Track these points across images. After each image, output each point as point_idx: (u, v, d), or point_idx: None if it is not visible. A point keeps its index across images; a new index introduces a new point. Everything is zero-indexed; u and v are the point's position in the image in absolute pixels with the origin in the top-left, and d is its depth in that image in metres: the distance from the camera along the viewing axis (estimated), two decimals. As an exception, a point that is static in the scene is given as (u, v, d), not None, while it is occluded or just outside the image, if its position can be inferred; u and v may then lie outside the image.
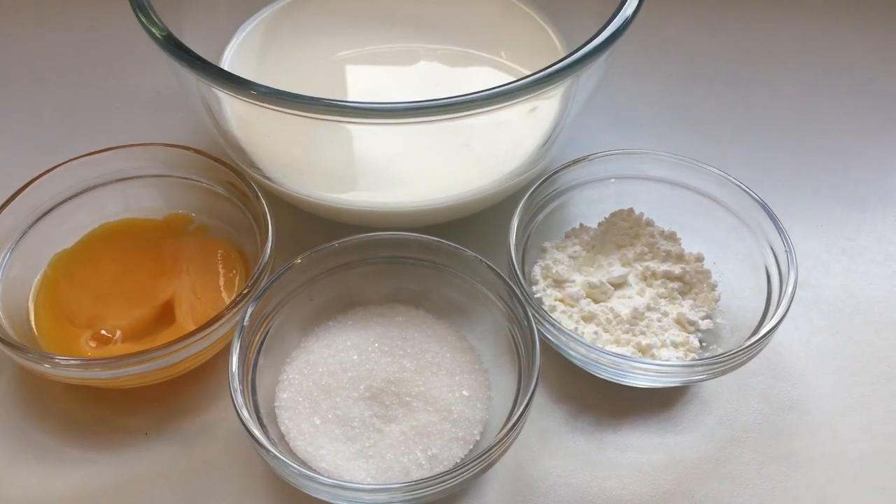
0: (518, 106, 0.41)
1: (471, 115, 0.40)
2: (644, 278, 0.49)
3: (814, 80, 0.65)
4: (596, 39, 0.42)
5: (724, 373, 0.43)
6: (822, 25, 0.69)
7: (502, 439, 0.38)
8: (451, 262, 0.46)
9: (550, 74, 0.41)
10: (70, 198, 0.49)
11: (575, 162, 0.50)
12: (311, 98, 0.39)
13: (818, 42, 0.68)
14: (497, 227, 0.52)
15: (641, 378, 0.43)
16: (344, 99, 0.40)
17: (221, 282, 0.48)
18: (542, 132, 0.47)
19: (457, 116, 0.40)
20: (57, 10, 0.68)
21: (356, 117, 0.40)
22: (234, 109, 0.47)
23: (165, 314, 0.46)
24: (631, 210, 0.51)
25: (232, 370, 0.40)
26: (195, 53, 0.42)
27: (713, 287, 0.49)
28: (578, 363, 0.45)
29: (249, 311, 0.42)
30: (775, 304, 0.45)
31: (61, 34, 0.67)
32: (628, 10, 0.44)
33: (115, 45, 0.66)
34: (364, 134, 0.44)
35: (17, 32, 0.67)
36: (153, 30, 0.44)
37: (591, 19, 0.51)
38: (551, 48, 0.56)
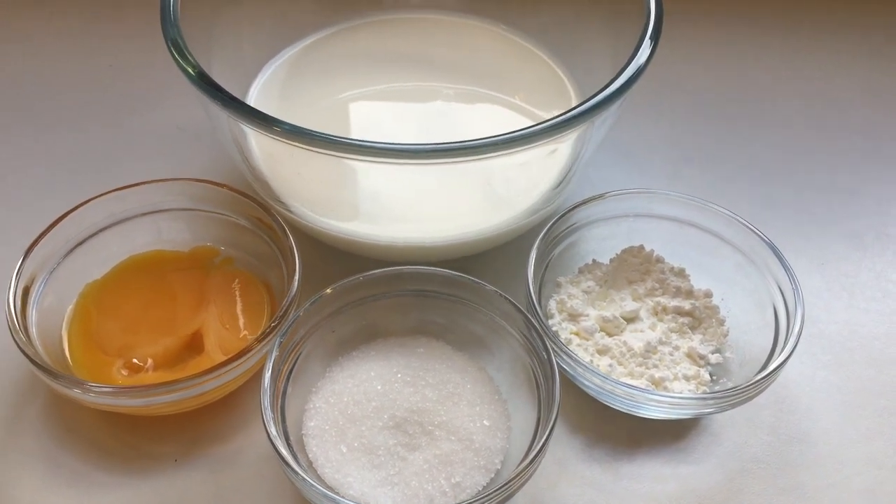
0: (540, 148, 0.43)
1: (494, 156, 0.42)
2: (655, 313, 0.51)
3: (813, 121, 0.67)
4: (613, 84, 0.44)
5: (734, 406, 0.45)
6: (822, 68, 0.72)
7: (525, 468, 0.40)
8: (471, 295, 0.47)
9: (571, 118, 0.43)
10: (101, 230, 0.50)
11: (588, 200, 0.52)
12: (340, 138, 0.41)
13: (819, 83, 0.70)
14: (512, 260, 0.54)
15: (655, 410, 0.45)
16: (374, 140, 0.41)
17: (248, 313, 0.49)
18: (558, 172, 0.49)
19: (481, 158, 0.42)
20: (78, 47, 0.70)
21: (386, 158, 0.42)
22: (262, 146, 0.49)
23: (194, 343, 0.48)
24: (641, 247, 0.53)
25: (264, 402, 0.41)
26: (226, 91, 0.44)
27: (721, 322, 0.51)
28: (594, 394, 0.47)
29: (279, 342, 0.44)
30: (783, 341, 0.46)
31: (83, 70, 0.68)
32: (642, 56, 0.46)
33: (135, 82, 0.68)
34: (390, 172, 0.46)
35: (39, 68, 0.68)
36: (187, 67, 0.46)
37: (602, 61, 0.53)
38: (563, 90, 0.58)
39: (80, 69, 0.69)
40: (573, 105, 0.55)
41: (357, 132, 0.54)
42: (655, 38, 0.47)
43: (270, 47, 0.60)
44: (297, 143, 0.43)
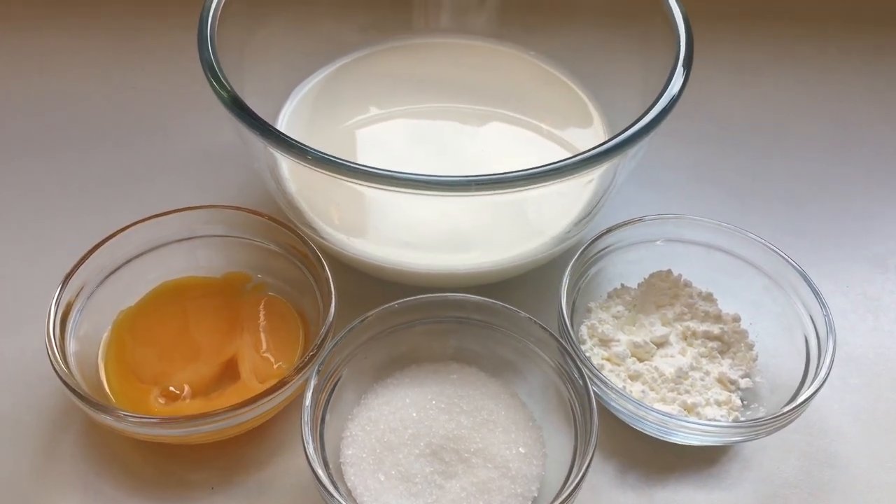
0: (576, 179, 0.43)
1: (531, 189, 0.42)
2: (684, 338, 0.51)
3: (836, 145, 0.68)
4: (649, 114, 0.45)
5: (767, 434, 0.45)
6: (845, 92, 0.73)
7: (565, 499, 0.40)
8: (504, 322, 0.48)
9: (609, 150, 0.43)
10: (134, 257, 0.50)
11: (617, 226, 0.52)
12: (376, 169, 0.42)
13: (841, 107, 0.71)
14: (540, 283, 0.54)
15: (689, 437, 0.46)
16: (411, 172, 0.42)
17: (282, 339, 0.49)
18: (590, 199, 0.50)
19: (518, 191, 0.42)
20: (101, 70, 0.70)
21: (423, 190, 0.42)
22: (296, 173, 0.49)
23: (229, 370, 0.48)
24: (669, 271, 0.53)
25: (305, 433, 0.42)
26: (261, 119, 0.45)
27: (750, 347, 0.51)
28: (627, 420, 0.47)
29: (317, 371, 0.44)
30: (815, 368, 0.47)
31: (106, 93, 0.69)
32: (675, 85, 0.47)
33: (160, 104, 0.68)
34: (426, 201, 0.46)
35: (61, 90, 0.68)
36: (222, 92, 0.46)
37: (630, 88, 0.54)
38: (587, 115, 0.59)
39: (102, 92, 0.69)
40: (599, 130, 0.57)
41: (389, 158, 0.55)
42: (688, 66, 0.48)
43: (302, 69, 0.61)
44: (331, 173, 0.43)
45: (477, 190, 0.41)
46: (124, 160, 0.63)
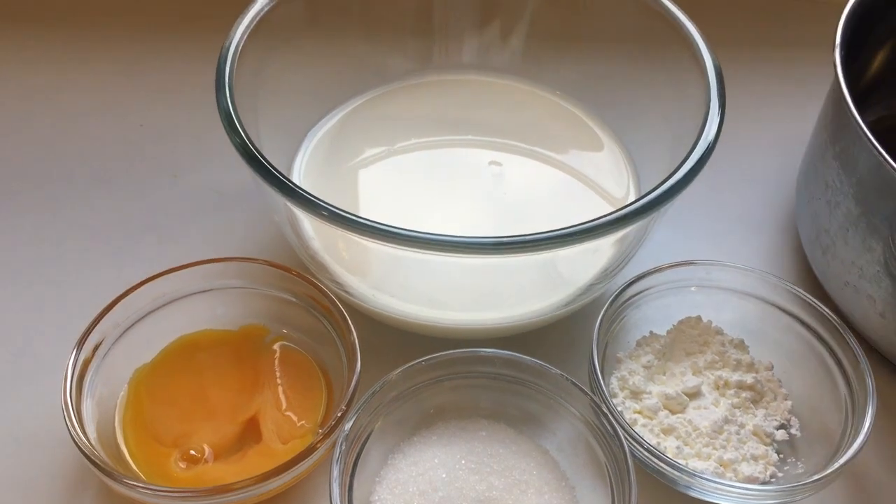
0: (608, 237, 0.42)
1: (559, 249, 0.41)
2: (717, 387, 0.50)
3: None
4: (685, 165, 0.44)
5: (815, 492, 0.44)
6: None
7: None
8: (533, 377, 0.47)
9: (639, 209, 0.42)
10: (149, 313, 0.49)
11: (647, 274, 0.51)
12: (397, 230, 0.40)
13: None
14: (568, 330, 0.53)
15: (726, 499, 0.44)
16: (434, 233, 0.40)
17: (304, 396, 0.48)
18: (621, 251, 0.48)
19: (544, 251, 0.41)
20: (108, 106, 0.69)
21: (446, 251, 0.41)
22: (318, 228, 0.48)
23: (250, 430, 0.47)
24: (699, 318, 0.52)
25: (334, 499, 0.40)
26: (282, 175, 0.43)
27: (785, 397, 0.50)
28: (663, 480, 0.45)
29: (344, 435, 0.43)
30: (855, 421, 0.46)
31: (113, 131, 0.67)
32: (710, 133, 0.46)
33: (168, 143, 0.66)
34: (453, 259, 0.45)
35: (68, 128, 0.66)
36: (240, 143, 0.45)
37: (659, 134, 0.52)
38: (616, 159, 0.58)
39: (110, 129, 0.67)
40: (623, 172, 0.56)
41: (411, 205, 0.53)
42: (723, 108, 0.47)
43: (319, 108, 0.59)
44: (349, 231, 0.41)
45: (505, 252, 0.40)
46: (135, 205, 0.61)
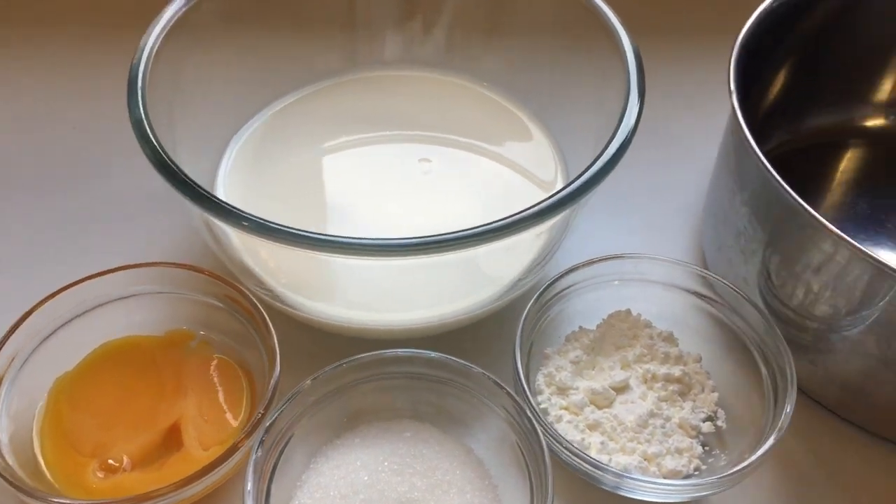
0: (529, 232, 0.42)
1: (477, 248, 0.41)
2: (645, 381, 0.50)
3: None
4: (609, 149, 0.43)
5: (730, 487, 0.44)
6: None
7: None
8: (457, 376, 0.46)
9: (561, 200, 0.41)
10: (70, 320, 0.48)
11: (575, 268, 0.50)
12: (314, 235, 0.40)
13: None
14: (495, 327, 0.52)
15: (650, 495, 0.44)
16: (351, 237, 0.40)
17: (227, 401, 0.48)
18: (544, 245, 0.48)
19: (466, 249, 0.40)
20: (40, 109, 0.68)
21: (365, 255, 0.40)
22: (239, 234, 0.47)
23: (172, 437, 0.46)
24: (629, 311, 0.52)
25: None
26: (197, 185, 0.42)
27: (713, 389, 0.50)
28: (584, 478, 0.45)
29: (261, 439, 0.42)
30: (775, 408, 0.46)
31: (45, 134, 0.66)
32: (630, 119, 0.45)
33: (101, 145, 0.65)
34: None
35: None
36: (151, 153, 0.44)
37: (584, 121, 0.52)
38: (541, 146, 0.57)
39: (41, 132, 0.66)
40: (549, 159, 0.55)
41: (337, 204, 0.53)
42: (642, 96, 0.46)
43: (244, 111, 0.58)
44: (269, 240, 0.41)
45: (422, 253, 0.39)
46: (61, 205, 0.60)
